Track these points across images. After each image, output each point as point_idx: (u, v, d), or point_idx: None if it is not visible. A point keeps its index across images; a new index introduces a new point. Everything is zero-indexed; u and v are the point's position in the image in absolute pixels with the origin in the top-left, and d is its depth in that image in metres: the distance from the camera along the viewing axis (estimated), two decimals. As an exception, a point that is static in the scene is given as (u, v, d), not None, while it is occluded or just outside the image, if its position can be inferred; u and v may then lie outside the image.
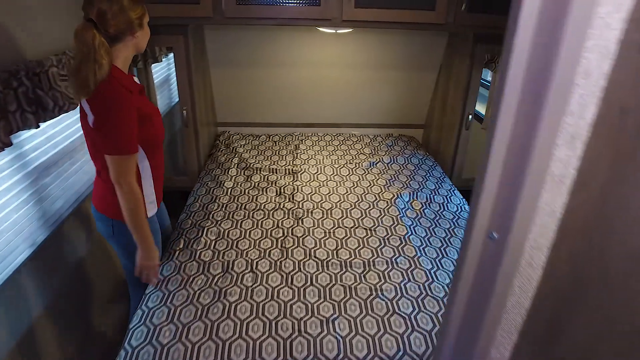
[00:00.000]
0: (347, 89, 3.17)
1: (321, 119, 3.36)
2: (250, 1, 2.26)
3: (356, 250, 2.00)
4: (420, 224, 2.25)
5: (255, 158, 2.90)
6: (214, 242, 2.02)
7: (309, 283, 1.78)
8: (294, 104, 3.25)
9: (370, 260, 1.93)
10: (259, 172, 2.71)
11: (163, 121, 1.72)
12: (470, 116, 2.73)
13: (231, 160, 2.83)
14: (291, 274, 1.83)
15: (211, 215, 2.22)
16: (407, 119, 3.42)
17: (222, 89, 3.10)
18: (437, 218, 2.31)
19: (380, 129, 3.43)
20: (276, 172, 2.71)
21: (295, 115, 3.33)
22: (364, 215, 2.28)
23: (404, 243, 2.06)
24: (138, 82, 1.60)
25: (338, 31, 2.63)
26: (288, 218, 2.23)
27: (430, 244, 2.09)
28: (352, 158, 2.97)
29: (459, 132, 2.81)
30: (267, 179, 2.63)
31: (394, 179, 2.69)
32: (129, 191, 1.44)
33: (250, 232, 2.11)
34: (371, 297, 1.71)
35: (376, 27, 2.46)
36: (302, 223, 2.19)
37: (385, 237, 2.10)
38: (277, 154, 2.99)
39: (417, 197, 2.49)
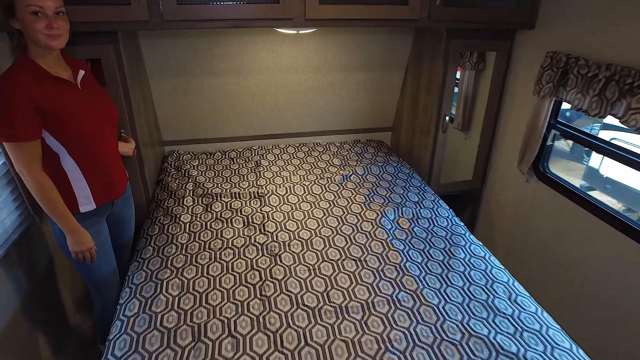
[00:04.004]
0: (308, 94, 2.85)
1: (281, 129, 3.03)
2: (195, 0, 1.88)
3: (350, 290, 1.70)
4: (413, 246, 1.99)
5: (213, 181, 2.52)
6: (177, 299, 1.64)
7: (302, 343, 1.46)
8: (250, 115, 2.88)
9: (369, 301, 1.65)
10: (219, 198, 2.33)
11: None
12: (447, 117, 2.52)
13: (185, 187, 2.43)
14: (279, 332, 1.50)
15: (169, 262, 1.83)
16: (373, 123, 3.16)
17: (165, 103, 2.66)
18: (429, 237, 2.07)
19: (346, 135, 3.15)
20: (239, 197, 2.35)
21: (253, 127, 2.96)
22: (349, 243, 1.99)
23: (401, 274, 1.79)
24: (80, 76, 1.54)
25: (300, 32, 2.30)
26: (262, 256, 1.89)
27: (430, 270, 1.84)
28: (322, 172, 2.66)
29: (435, 134, 2.59)
30: (230, 206, 2.26)
31: (372, 194, 2.42)
32: (31, 181, 1.40)
33: (220, 279, 1.75)
34: (380, 351, 1.43)
35: (343, 26, 2.15)
36: (280, 261, 1.86)
37: (380, 269, 1.82)
38: (236, 173, 2.62)
39: (402, 214, 2.24)
